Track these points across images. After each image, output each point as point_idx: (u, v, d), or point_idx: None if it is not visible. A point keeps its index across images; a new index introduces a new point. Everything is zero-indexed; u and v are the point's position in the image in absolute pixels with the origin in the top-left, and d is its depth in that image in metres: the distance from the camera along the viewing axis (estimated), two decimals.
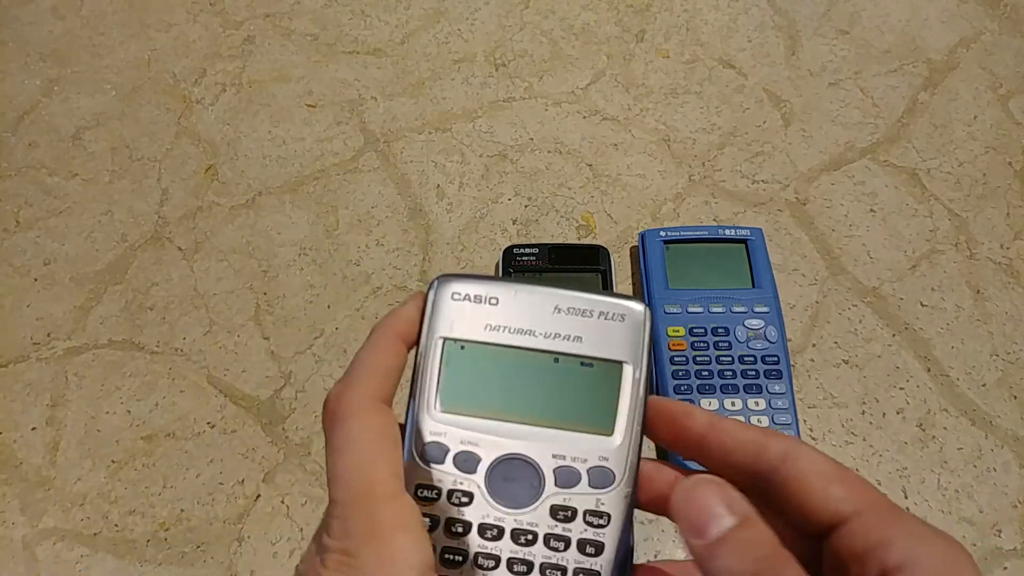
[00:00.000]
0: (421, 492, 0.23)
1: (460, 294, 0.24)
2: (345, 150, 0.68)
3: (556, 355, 0.24)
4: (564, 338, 0.24)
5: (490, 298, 0.24)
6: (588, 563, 0.23)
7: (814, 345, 0.58)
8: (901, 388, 0.56)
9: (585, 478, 0.23)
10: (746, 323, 0.54)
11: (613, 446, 0.23)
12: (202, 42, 0.75)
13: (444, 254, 0.62)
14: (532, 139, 0.68)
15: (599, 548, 0.23)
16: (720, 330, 0.54)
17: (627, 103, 0.71)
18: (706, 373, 0.53)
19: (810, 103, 0.70)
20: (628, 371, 0.24)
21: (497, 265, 0.60)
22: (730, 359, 0.53)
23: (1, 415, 0.56)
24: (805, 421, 0.55)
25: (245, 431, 0.55)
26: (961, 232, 0.63)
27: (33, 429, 0.55)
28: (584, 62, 0.73)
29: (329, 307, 0.60)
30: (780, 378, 0.53)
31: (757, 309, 0.55)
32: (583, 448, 0.23)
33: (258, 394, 0.56)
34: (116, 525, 0.52)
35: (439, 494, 0.23)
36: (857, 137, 0.68)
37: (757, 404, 0.51)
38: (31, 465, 0.54)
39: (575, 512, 0.23)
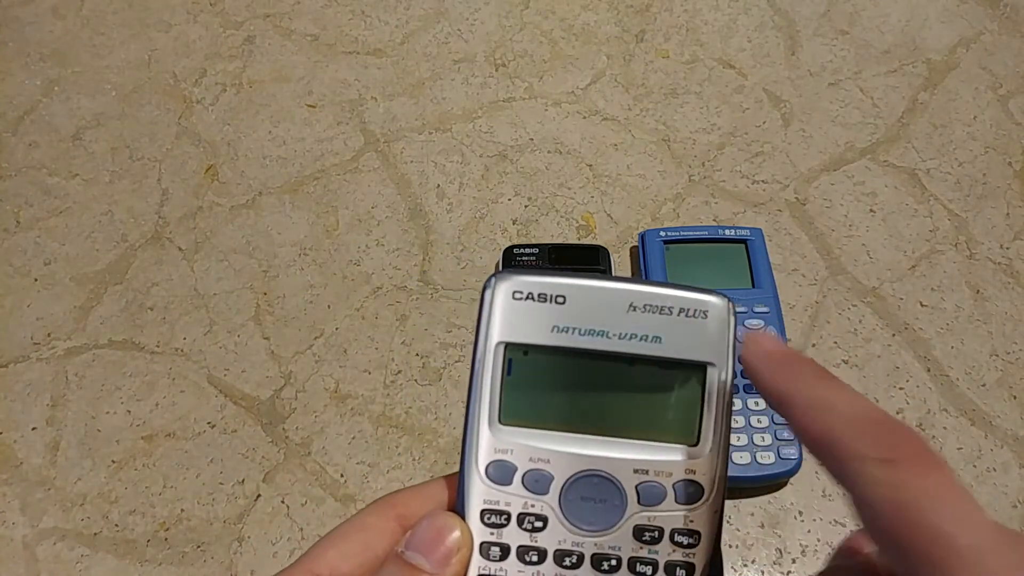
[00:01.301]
0: (488, 517, 0.21)
1: (522, 292, 0.22)
2: (345, 150, 0.68)
3: (632, 358, 0.21)
4: (641, 339, 0.21)
5: (556, 296, 0.21)
6: None
7: (814, 345, 0.58)
8: (901, 388, 0.56)
9: (671, 494, 0.21)
10: (746, 323, 0.54)
11: (700, 457, 0.21)
12: (202, 42, 0.75)
13: (444, 254, 0.62)
14: (532, 139, 0.68)
15: (689, 570, 0.21)
16: None
17: (627, 103, 0.71)
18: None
19: (810, 103, 0.70)
20: (714, 373, 0.21)
21: (497, 265, 0.60)
22: None
23: (1, 415, 0.56)
24: None
25: (245, 431, 0.55)
26: (961, 232, 0.63)
27: (33, 429, 0.55)
28: (584, 62, 0.73)
29: (329, 307, 0.60)
30: None
31: (757, 309, 0.55)
32: (667, 461, 0.21)
33: (258, 394, 0.56)
34: (116, 525, 0.52)
35: (508, 519, 0.21)
36: (857, 137, 0.68)
37: (757, 404, 0.51)
38: (31, 465, 0.54)
39: (662, 532, 0.21)
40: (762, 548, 0.50)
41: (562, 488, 0.21)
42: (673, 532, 0.21)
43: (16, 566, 0.50)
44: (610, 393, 0.22)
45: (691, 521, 0.21)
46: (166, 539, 0.51)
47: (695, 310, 0.21)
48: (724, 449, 0.21)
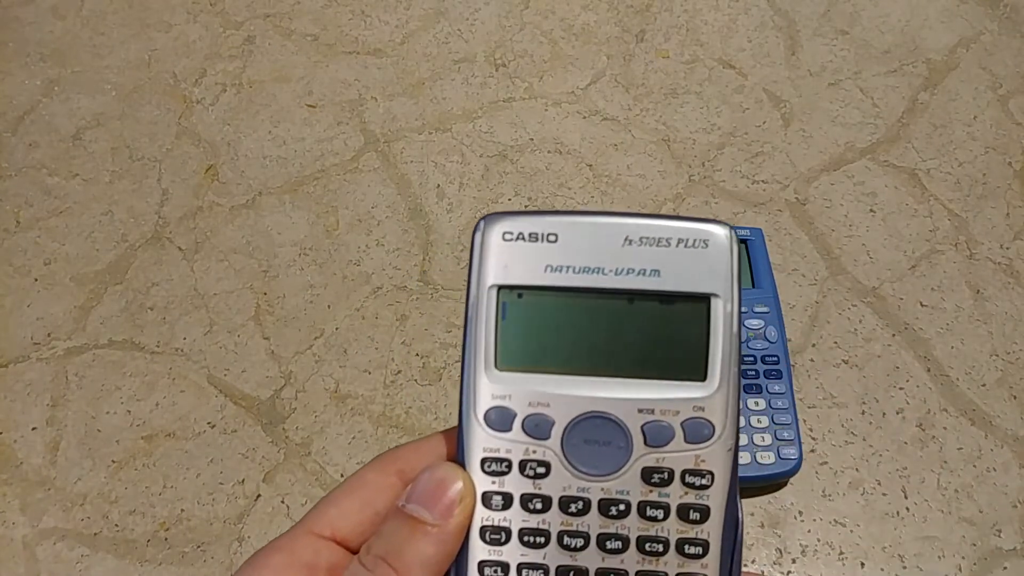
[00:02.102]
0: (488, 465, 0.20)
1: (512, 233, 0.21)
2: (345, 150, 0.68)
3: (631, 294, 0.20)
4: (639, 273, 0.20)
5: (548, 235, 0.20)
6: (693, 531, 0.20)
7: (814, 345, 0.58)
8: (901, 388, 0.56)
9: (680, 433, 0.20)
10: (746, 323, 0.54)
11: (708, 393, 0.20)
12: (202, 42, 0.75)
13: (444, 254, 0.62)
14: (532, 139, 0.68)
15: (704, 513, 0.20)
16: None
17: (627, 103, 0.71)
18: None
19: (810, 103, 0.70)
20: (718, 305, 0.20)
21: None
22: None
23: (1, 415, 0.56)
24: (805, 421, 0.55)
25: (245, 431, 0.55)
26: (961, 232, 0.63)
27: (33, 429, 0.55)
28: (584, 62, 0.73)
29: (329, 307, 0.60)
30: (780, 378, 0.53)
31: (757, 309, 0.55)
32: (674, 399, 0.20)
33: (258, 394, 0.56)
34: (116, 525, 0.52)
35: (509, 466, 0.20)
36: (857, 137, 0.68)
37: (757, 404, 0.51)
38: (31, 465, 0.54)
39: (672, 474, 0.20)
40: (762, 548, 0.50)
41: (564, 432, 0.20)
42: (684, 473, 0.20)
43: (16, 566, 0.50)
44: (610, 332, 0.21)
45: (703, 461, 0.20)
46: (166, 539, 0.51)
47: (694, 240, 0.20)
48: (735, 384, 0.20)
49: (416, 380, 0.57)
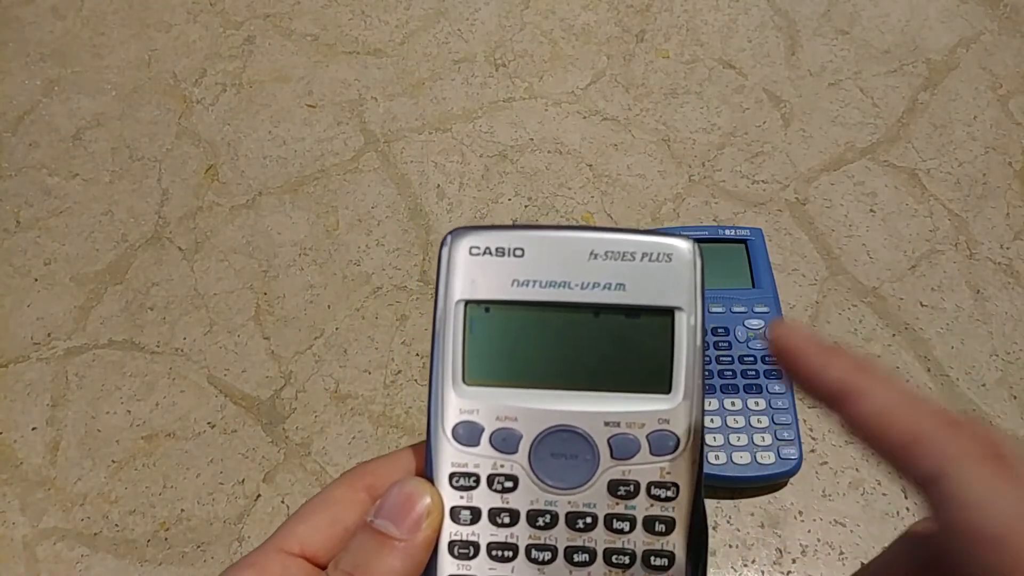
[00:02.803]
0: (456, 480, 0.20)
1: (479, 247, 0.21)
2: (345, 150, 0.68)
3: (597, 307, 0.21)
4: (604, 287, 0.20)
5: (514, 249, 0.21)
6: (659, 543, 0.20)
7: None
8: None
9: (645, 446, 0.20)
10: (746, 323, 0.54)
11: (673, 406, 0.20)
12: (202, 42, 0.75)
13: None
14: (532, 139, 0.68)
15: (669, 525, 0.20)
16: (720, 330, 0.54)
17: (627, 103, 0.71)
18: (706, 373, 0.53)
19: (810, 103, 0.70)
20: (682, 318, 0.21)
21: None
22: (730, 359, 0.53)
23: (1, 415, 0.56)
24: (805, 421, 0.55)
25: (245, 431, 0.55)
26: (961, 232, 0.63)
27: (33, 429, 0.55)
28: (584, 62, 0.73)
29: (329, 307, 0.60)
30: (780, 378, 0.53)
31: (757, 309, 0.55)
32: (639, 412, 0.20)
33: (258, 394, 0.56)
34: (116, 525, 0.52)
35: (477, 481, 0.20)
36: (857, 137, 0.68)
37: (757, 404, 0.51)
38: (31, 465, 0.54)
39: (638, 486, 0.20)
40: (762, 548, 0.50)
41: (531, 446, 0.20)
42: (650, 485, 0.20)
43: (16, 566, 0.50)
44: (576, 345, 0.21)
45: (668, 473, 0.20)
46: (166, 539, 0.51)
47: (658, 254, 0.21)
48: (699, 396, 0.21)
49: (416, 380, 0.57)
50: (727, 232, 0.58)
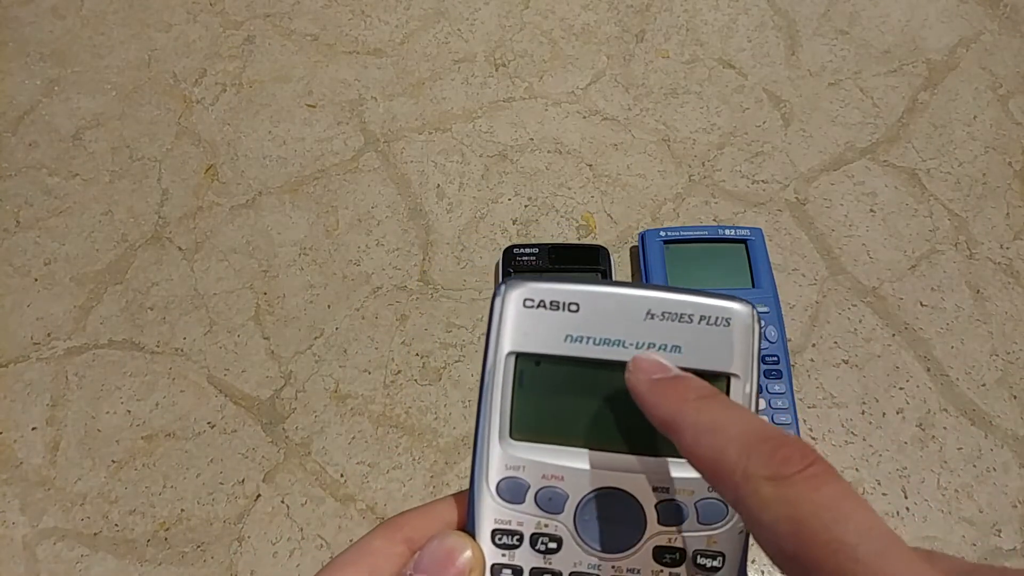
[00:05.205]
0: (499, 538, 0.20)
1: (533, 300, 0.20)
2: (345, 150, 0.68)
3: None
4: (660, 348, 0.20)
5: (569, 304, 0.20)
6: None
7: (814, 345, 0.58)
8: (901, 388, 0.56)
9: (693, 513, 0.20)
10: None
11: None
12: (202, 42, 0.75)
13: (444, 254, 0.62)
14: (532, 139, 0.68)
15: None
16: None
17: (627, 103, 0.71)
18: None
19: (810, 103, 0.70)
20: (738, 386, 0.20)
21: (497, 265, 0.60)
22: None
23: (1, 415, 0.56)
24: (805, 421, 0.55)
25: (245, 431, 0.55)
26: (961, 232, 0.63)
27: (33, 429, 0.55)
28: (584, 62, 0.73)
29: (329, 307, 0.60)
30: (780, 378, 0.53)
31: (757, 309, 0.55)
32: (689, 478, 0.20)
33: (258, 394, 0.56)
34: (116, 525, 0.52)
35: (520, 539, 0.20)
36: (857, 137, 0.68)
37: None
38: (31, 465, 0.54)
39: (683, 554, 0.20)
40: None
41: (577, 507, 0.20)
42: (696, 554, 0.20)
43: (16, 566, 0.50)
44: (628, 406, 0.20)
45: (714, 542, 0.20)
46: (166, 539, 0.51)
47: (717, 318, 0.20)
48: None
49: (416, 380, 0.57)
50: (727, 232, 0.58)
